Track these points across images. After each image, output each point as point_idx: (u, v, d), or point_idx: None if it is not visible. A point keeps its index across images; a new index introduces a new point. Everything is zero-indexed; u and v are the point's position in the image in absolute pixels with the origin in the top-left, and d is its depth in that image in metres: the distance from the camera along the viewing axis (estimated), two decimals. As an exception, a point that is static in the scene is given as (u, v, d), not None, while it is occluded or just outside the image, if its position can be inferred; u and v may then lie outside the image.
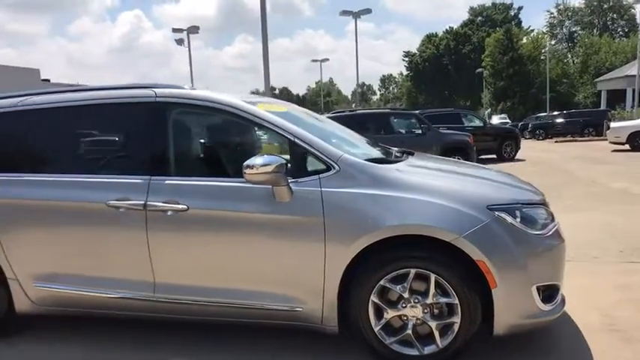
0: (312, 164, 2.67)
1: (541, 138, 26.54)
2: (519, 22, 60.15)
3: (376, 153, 3.35)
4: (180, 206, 2.67)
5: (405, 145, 9.19)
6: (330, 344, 2.80)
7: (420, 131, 9.96)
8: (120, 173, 2.89)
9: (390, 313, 2.55)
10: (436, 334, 2.51)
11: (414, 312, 2.53)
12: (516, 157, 14.79)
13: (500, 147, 14.49)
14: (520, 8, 63.15)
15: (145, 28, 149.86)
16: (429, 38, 66.74)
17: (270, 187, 2.53)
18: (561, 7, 59.61)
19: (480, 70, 49.64)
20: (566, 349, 2.79)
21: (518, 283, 2.45)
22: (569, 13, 59.95)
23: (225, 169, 2.94)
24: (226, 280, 2.73)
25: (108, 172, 2.92)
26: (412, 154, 3.55)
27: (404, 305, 2.53)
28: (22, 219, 2.95)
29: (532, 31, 54.48)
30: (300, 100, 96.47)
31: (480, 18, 63.98)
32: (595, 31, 56.36)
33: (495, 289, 2.41)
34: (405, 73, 73.54)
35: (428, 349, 2.53)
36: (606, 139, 17.40)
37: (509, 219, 2.47)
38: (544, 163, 13.36)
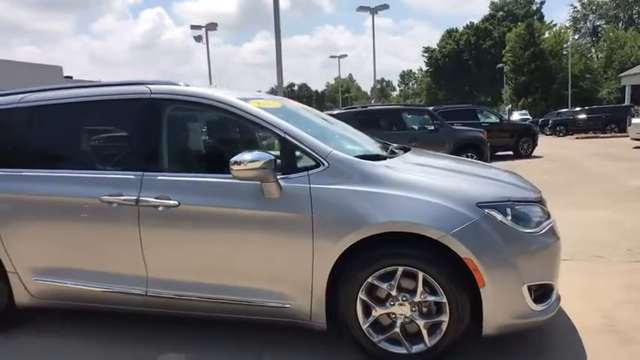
0: (301, 160, 2.67)
1: (561, 134, 26.00)
2: (541, 17, 58.85)
3: (373, 149, 3.32)
4: (171, 202, 2.70)
5: (418, 142, 9.27)
6: (320, 341, 2.80)
7: (432, 127, 9.84)
8: (114, 169, 2.94)
9: (378, 311, 2.53)
10: (424, 332, 2.48)
11: (402, 310, 2.51)
12: (534, 154, 14.52)
13: (516, 143, 14.24)
14: (542, 2, 61.79)
15: (166, 26, 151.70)
16: (449, 33, 65.90)
17: (259, 183, 2.53)
18: (585, 0, 58.15)
19: (500, 65, 48.81)
20: (560, 350, 2.73)
21: (508, 282, 2.40)
22: (594, 7, 58.48)
23: (216, 165, 2.95)
24: (216, 276, 2.74)
25: (103, 168, 2.98)
26: (409, 150, 3.51)
27: (392, 303, 2.51)
28: (19, 213, 3.02)
29: (554, 25, 53.30)
30: (319, 97, 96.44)
31: (501, 13, 62.83)
32: (620, 24, 54.82)
33: (484, 288, 2.36)
34: (424, 68, 72.85)
35: (416, 348, 2.50)
36: (628, 136, 16.94)
37: (499, 217, 2.42)
38: (561, 160, 13.09)
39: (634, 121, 16.64)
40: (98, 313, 3.12)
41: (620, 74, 37.47)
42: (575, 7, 58.61)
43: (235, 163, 2.48)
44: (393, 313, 2.53)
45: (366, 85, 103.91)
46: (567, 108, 34.17)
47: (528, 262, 2.45)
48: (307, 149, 2.63)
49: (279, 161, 2.63)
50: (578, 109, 29.17)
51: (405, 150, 3.50)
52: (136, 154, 2.91)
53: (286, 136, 2.67)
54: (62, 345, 3.04)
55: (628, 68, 37.73)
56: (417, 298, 2.47)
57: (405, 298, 2.49)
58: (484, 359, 2.64)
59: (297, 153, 2.67)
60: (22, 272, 3.06)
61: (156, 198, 2.72)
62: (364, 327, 2.55)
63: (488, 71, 56.52)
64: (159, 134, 2.86)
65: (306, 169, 2.62)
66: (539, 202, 2.71)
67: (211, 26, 27.76)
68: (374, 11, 26.38)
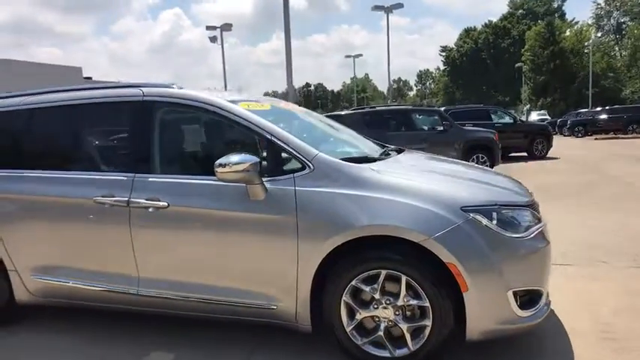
0: (288, 163, 2.68)
1: (580, 135, 25.44)
2: (563, 15, 57.81)
3: (367, 151, 3.32)
4: (161, 203, 2.74)
5: (427, 142, 9.20)
6: (308, 343, 2.81)
7: (441, 128, 9.74)
8: (107, 170, 3.01)
9: (362, 314, 2.53)
10: (407, 336, 2.47)
11: (385, 313, 2.50)
12: (549, 155, 14.25)
13: (530, 144, 14.00)
14: (564, 0, 60.68)
15: (184, 27, 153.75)
16: (467, 32, 65.20)
17: (244, 185, 2.55)
18: (609, -4, 56.80)
19: (519, 64, 48.06)
20: (548, 356, 2.69)
21: (492, 288, 2.37)
22: (618, 4, 56.94)
23: (205, 167, 2.98)
24: (205, 277, 2.77)
25: (96, 169, 3.04)
26: (402, 151, 3.49)
27: (376, 306, 2.51)
28: (17, 213, 3.10)
29: (576, 23, 52.25)
30: (334, 97, 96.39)
31: (520, 11, 61.86)
32: (645, 21, 53.36)
33: (467, 293, 2.34)
34: (442, 68, 72.19)
35: (399, 352, 2.50)
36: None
37: (484, 221, 2.39)
38: (577, 162, 12.83)
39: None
40: (98, 311, 3.17)
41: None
42: (599, 4, 57.18)
43: (220, 165, 2.50)
44: (377, 317, 2.52)
45: (383, 85, 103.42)
46: (588, 108, 33.44)
47: (514, 268, 2.42)
48: (293, 151, 2.65)
49: (266, 163, 2.65)
50: (598, 109, 28.53)
51: (399, 152, 3.49)
52: (128, 156, 2.96)
53: (272, 138, 2.68)
54: (62, 342, 3.11)
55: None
56: (400, 302, 2.46)
57: (388, 302, 2.49)
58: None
59: (284, 155, 2.68)
60: (21, 270, 3.14)
61: (146, 199, 2.77)
62: (348, 329, 2.55)
63: (506, 71, 55.76)
64: (150, 136, 2.91)
65: (293, 171, 2.63)
66: (530, 206, 2.66)
67: (226, 27, 27.97)
68: (388, 10, 26.24)
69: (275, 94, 61.40)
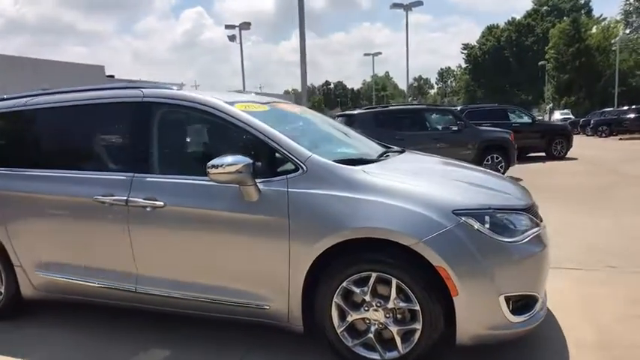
0: (281, 164, 2.69)
1: (604, 135, 24.78)
2: (589, 11, 56.32)
3: (367, 152, 3.31)
4: (158, 203, 2.79)
5: (441, 142, 9.08)
6: (302, 343, 2.82)
7: (456, 128, 9.60)
8: (107, 170, 3.08)
9: (353, 316, 2.53)
10: (397, 339, 2.46)
11: (376, 316, 2.50)
12: (568, 156, 13.94)
13: (549, 145, 13.70)
14: (591, -4, 59.08)
15: (206, 25, 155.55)
16: (490, 30, 64.21)
17: (237, 186, 2.58)
18: (638, -8, 55.09)
19: (542, 62, 47.07)
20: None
21: (483, 292, 2.35)
22: (648, 0, 55.25)
23: (201, 167, 3.01)
24: (199, 275, 2.81)
25: (97, 169, 3.11)
26: (403, 152, 3.47)
27: (366, 308, 2.51)
28: (22, 210, 3.20)
29: (604, 19, 50.83)
30: (354, 95, 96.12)
31: (545, 8, 60.55)
32: (676, 18, 51.57)
33: (457, 297, 2.32)
34: (463, 66, 71.25)
35: (390, 355, 2.49)
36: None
37: (476, 224, 2.36)
38: (597, 163, 12.51)
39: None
40: (98, 308, 3.25)
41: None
42: (628, 0, 55.58)
43: (213, 166, 2.53)
44: (368, 319, 2.52)
45: (404, 83, 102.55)
46: (613, 107, 32.56)
47: (507, 272, 2.38)
48: (286, 153, 2.66)
49: (260, 165, 2.66)
50: (625, 108, 27.76)
51: (400, 153, 3.47)
52: (128, 156, 3.02)
53: (266, 140, 2.70)
54: (63, 336, 3.19)
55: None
56: (390, 305, 2.45)
57: (379, 304, 2.48)
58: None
59: (277, 156, 2.70)
60: (26, 266, 3.24)
61: (144, 199, 2.82)
62: (339, 331, 2.55)
63: (529, 69, 54.71)
64: (150, 137, 2.96)
65: (286, 172, 2.64)
66: (527, 210, 2.62)
67: (245, 25, 28.15)
68: (408, 8, 26.03)
69: (295, 93, 61.48)
